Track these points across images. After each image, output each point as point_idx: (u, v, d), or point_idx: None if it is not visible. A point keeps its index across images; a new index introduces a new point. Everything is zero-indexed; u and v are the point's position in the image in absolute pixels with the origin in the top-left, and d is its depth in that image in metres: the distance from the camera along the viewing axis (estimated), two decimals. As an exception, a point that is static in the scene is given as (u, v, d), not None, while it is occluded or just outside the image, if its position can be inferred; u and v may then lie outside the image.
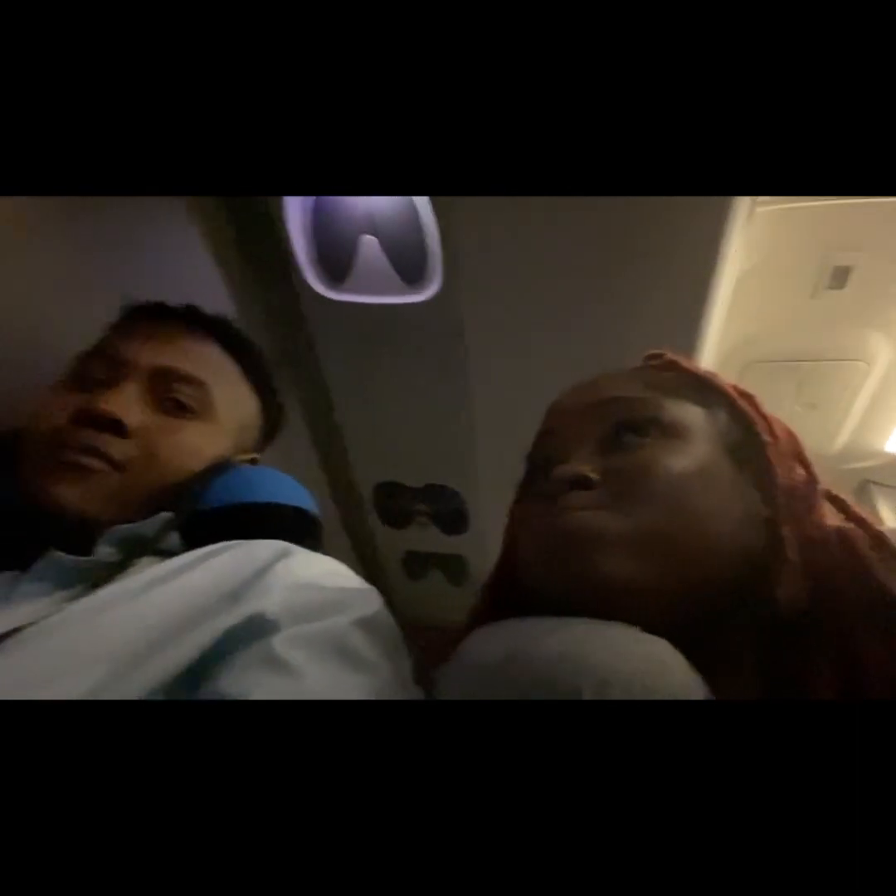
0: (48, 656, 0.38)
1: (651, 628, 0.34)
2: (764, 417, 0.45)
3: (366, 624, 0.45)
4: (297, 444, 1.07)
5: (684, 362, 0.48)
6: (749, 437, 0.43)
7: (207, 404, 0.59)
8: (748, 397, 0.46)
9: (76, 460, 0.51)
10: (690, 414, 0.43)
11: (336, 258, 0.85)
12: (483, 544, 1.17)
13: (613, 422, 0.43)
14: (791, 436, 0.45)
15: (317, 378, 1.00)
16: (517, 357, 0.90)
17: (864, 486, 1.39)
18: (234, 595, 0.43)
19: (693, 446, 0.41)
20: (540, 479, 0.45)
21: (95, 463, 0.51)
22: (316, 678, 0.39)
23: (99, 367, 0.57)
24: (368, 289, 0.87)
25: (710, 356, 0.98)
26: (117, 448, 0.52)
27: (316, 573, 0.48)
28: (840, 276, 1.02)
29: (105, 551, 0.48)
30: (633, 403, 0.43)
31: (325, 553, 0.62)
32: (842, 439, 1.28)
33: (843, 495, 0.42)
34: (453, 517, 1.16)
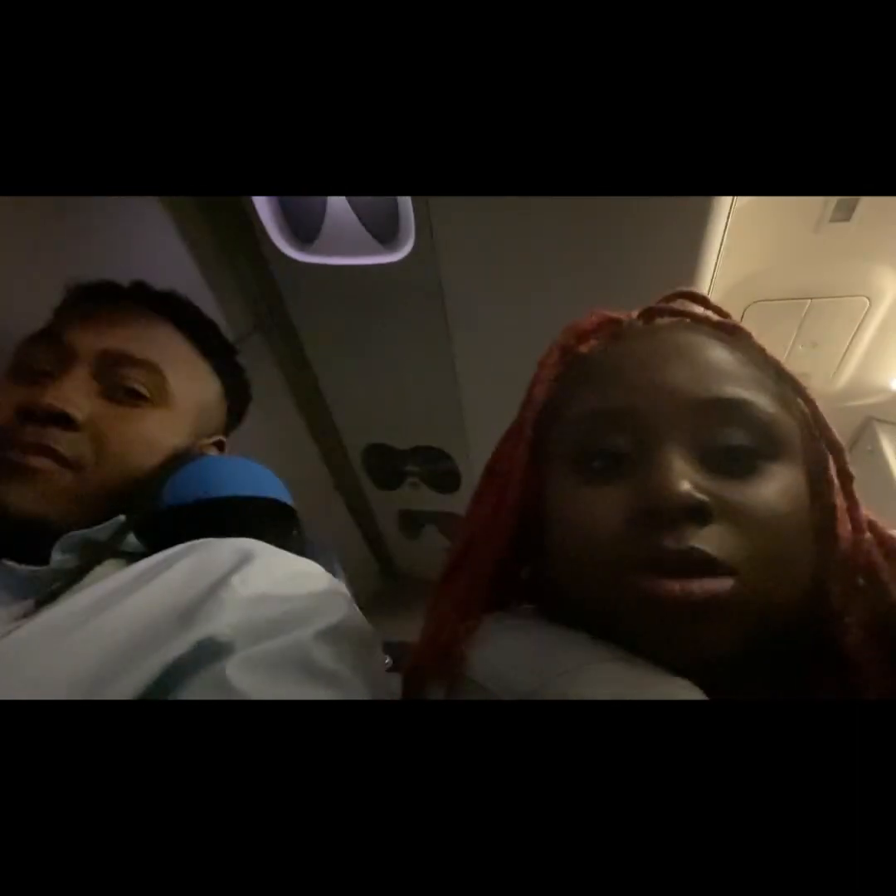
0: None
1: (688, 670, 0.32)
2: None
3: (331, 634, 0.43)
4: (282, 413, 1.05)
5: (755, 339, 0.40)
6: (819, 450, 0.38)
7: (162, 389, 0.55)
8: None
9: (23, 461, 0.48)
10: (784, 424, 0.36)
11: (303, 218, 0.81)
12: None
13: (720, 434, 0.35)
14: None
15: (294, 343, 0.97)
16: (498, 313, 0.86)
17: (868, 424, 1.36)
18: (186, 615, 0.41)
19: (792, 473, 0.36)
20: (624, 466, 0.37)
21: (44, 462, 0.49)
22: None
23: (43, 355, 0.54)
24: (339, 250, 0.82)
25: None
26: (66, 444, 0.50)
27: (278, 578, 0.45)
28: (845, 208, 0.97)
29: (60, 559, 0.46)
30: (740, 410, 0.35)
31: (303, 537, 0.60)
32: (844, 377, 1.25)
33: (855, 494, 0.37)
34: (445, 477, 1.14)
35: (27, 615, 0.42)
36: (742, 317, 1.13)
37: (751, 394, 0.36)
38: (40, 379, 0.52)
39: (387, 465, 1.15)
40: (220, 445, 0.63)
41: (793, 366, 0.39)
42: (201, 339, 0.61)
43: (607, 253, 0.80)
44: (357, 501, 1.28)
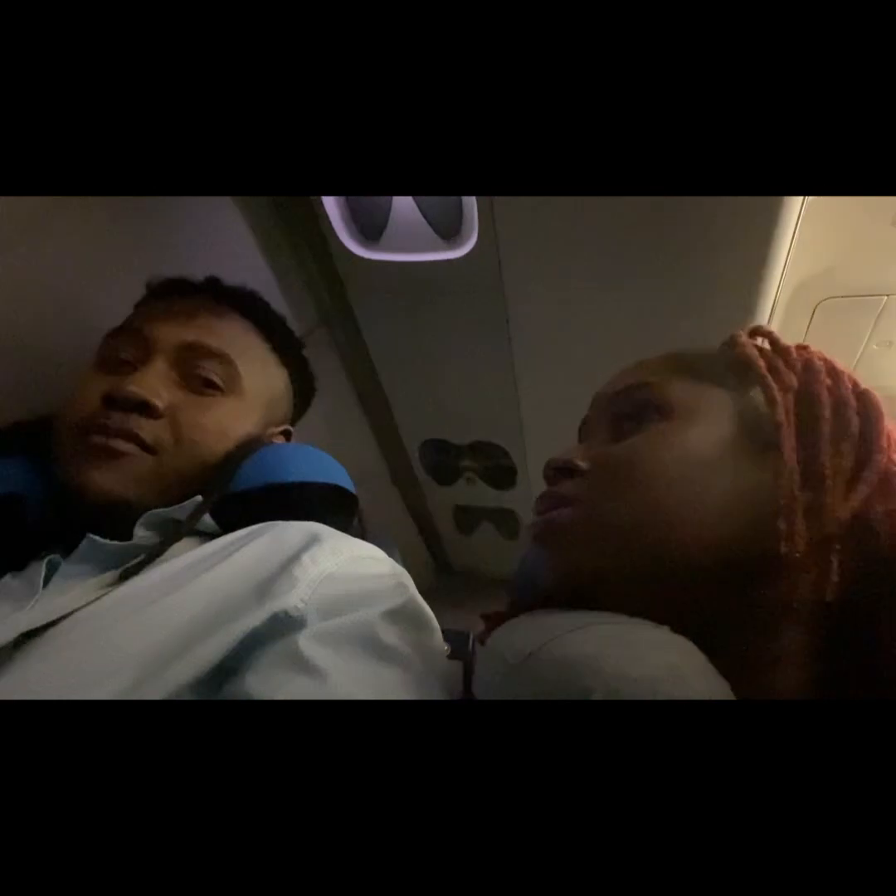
0: (87, 654, 0.39)
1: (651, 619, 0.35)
2: (824, 392, 0.40)
3: (395, 614, 0.45)
4: (344, 405, 1.07)
5: (738, 341, 0.45)
6: (771, 419, 0.40)
7: (234, 380, 0.58)
8: (812, 372, 0.42)
9: (108, 444, 0.51)
10: (704, 395, 0.42)
11: (370, 216, 0.83)
12: (531, 498, 1.16)
13: (616, 411, 0.44)
14: (863, 412, 0.40)
15: (357, 339, 0.99)
16: (558, 310, 0.86)
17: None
18: (261, 589, 0.43)
19: (695, 430, 0.40)
20: None
21: (128, 447, 0.52)
22: (342, 676, 0.39)
23: (126, 347, 0.57)
24: (404, 246, 0.84)
25: (777, 295, 0.91)
26: (148, 430, 0.53)
27: (344, 560, 0.48)
28: (927, 200, 0.92)
29: (142, 535, 0.50)
30: (635, 390, 0.43)
31: (364, 525, 0.62)
32: (923, 379, 1.19)
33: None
34: (501, 473, 1.14)
35: (110, 585, 0.45)
36: (813, 314, 1.09)
37: (647, 376, 0.44)
38: (124, 369, 0.56)
39: (444, 460, 1.16)
40: (287, 434, 0.66)
41: (866, 365, 0.41)
42: (271, 333, 0.64)
43: (672, 248, 0.79)
44: (413, 496, 1.30)
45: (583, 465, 0.42)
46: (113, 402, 0.53)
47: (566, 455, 0.43)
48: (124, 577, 0.45)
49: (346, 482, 0.60)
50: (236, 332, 0.61)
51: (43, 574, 0.48)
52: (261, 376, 0.62)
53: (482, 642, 0.42)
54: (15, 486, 0.54)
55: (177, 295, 0.62)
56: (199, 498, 0.52)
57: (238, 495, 0.53)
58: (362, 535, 0.57)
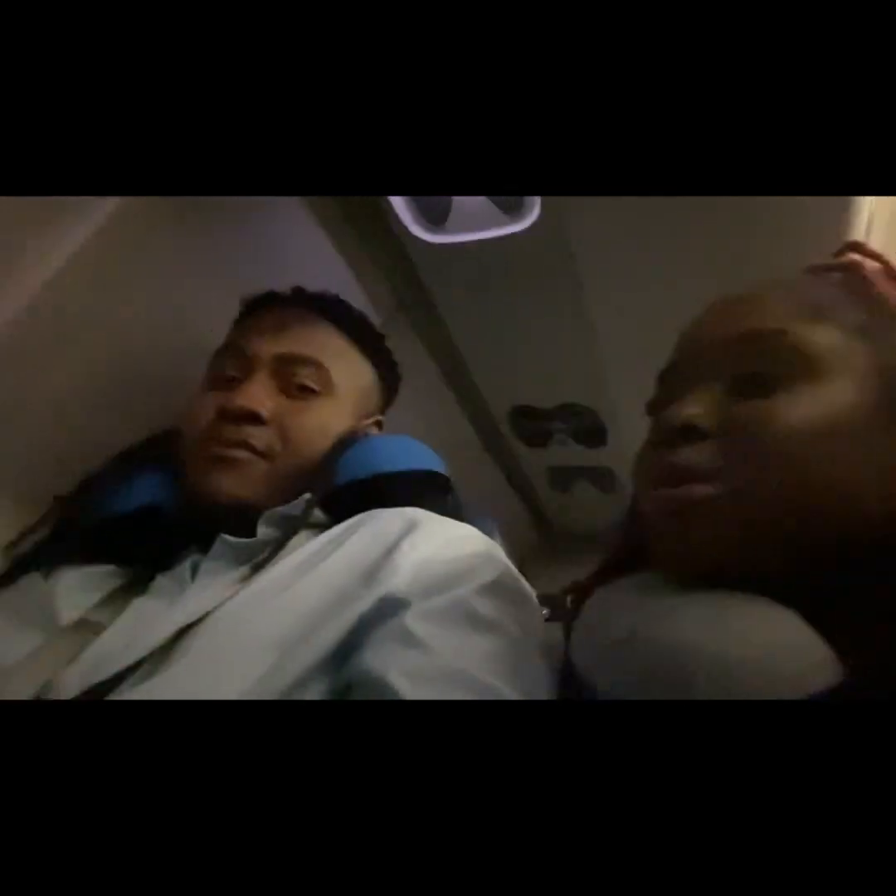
0: (232, 645, 0.46)
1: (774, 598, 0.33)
2: None
3: (489, 589, 0.49)
4: (429, 383, 1.11)
5: (866, 269, 0.40)
6: None
7: (327, 382, 0.64)
8: None
9: (226, 454, 0.59)
10: (841, 347, 0.36)
11: (434, 202, 0.85)
12: (625, 453, 1.16)
13: (745, 363, 0.37)
14: None
15: (435, 319, 1.02)
16: (631, 267, 0.85)
17: None
18: (368, 576, 0.49)
19: (834, 388, 0.35)
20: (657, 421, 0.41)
21: (243, 454, 0.59)
22: (447, 647, 0.44)
23: (230, 364, 0.64)
24: (469, 226, 0.85)
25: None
26: (259, 438, 0.60)
27: (440, 543, 0.52)
28: None
29: (264, 531, 0.56)
30: (765, 338, 0.37)
31: (459, 502, 0.66)
32: None
33: None
34: (591, 432, 1.15)
35: (244, 579, 0.52)
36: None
37: (775, 319, 0.38)
38: (231, 384, 0.63)
39: (533, 424, 1.18)
40: (378, 424, 0.71)
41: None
42: (354, 332, 0.69)
43: (742, 207, 0.76)
44: (508, 461, 1.33)
45: (706, 426, 0.37)
46: (225, 415, 0.60)
47: (684, 413, 0.37)
48: (255, 570, 0.52)
49: (438, 464, 0.64)
50: (324, 337, 0.66)
51: (190, 573, 0.56)
52: (350, 375, 0.67)
53: (576, 610, 0.42)
54: (151, 497, 0.62)
55: (266, 309, 0.68)
56: (307, 495, 0.58)
57: (342, 488, 0.59)
58: (457, 508, 0.61)
